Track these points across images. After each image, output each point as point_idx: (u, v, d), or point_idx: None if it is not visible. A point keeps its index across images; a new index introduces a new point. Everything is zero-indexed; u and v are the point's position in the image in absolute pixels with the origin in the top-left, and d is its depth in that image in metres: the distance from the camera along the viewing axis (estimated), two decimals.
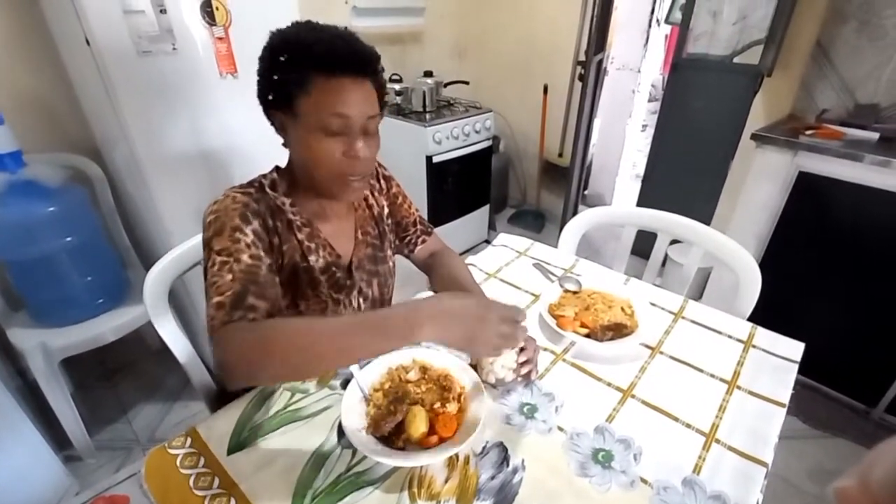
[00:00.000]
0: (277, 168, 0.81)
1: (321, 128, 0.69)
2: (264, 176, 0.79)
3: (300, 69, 0.67)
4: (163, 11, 1.16)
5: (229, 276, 0.64)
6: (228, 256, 0.65)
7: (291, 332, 0.58)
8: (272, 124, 0.75)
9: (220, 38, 1.28)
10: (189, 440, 0.68)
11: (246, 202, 0.71)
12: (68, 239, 1.30)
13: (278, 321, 0.61)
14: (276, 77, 0.68)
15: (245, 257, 0.66)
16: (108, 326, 1.38)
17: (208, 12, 1.24)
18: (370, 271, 0.90)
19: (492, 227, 2.85)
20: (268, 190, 0.77)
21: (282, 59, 0.67)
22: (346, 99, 0.68)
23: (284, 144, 0.77)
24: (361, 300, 0.90)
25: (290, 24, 0.72)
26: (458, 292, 0.63)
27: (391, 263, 0.97)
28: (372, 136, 0.74)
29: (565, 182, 2.47)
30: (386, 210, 0.95)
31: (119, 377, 1.77)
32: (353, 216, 0.88)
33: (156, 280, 0.87)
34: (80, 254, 1.35)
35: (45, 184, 1.27)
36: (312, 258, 0.79)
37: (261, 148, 0.75)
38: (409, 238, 0.99)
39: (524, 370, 0.75)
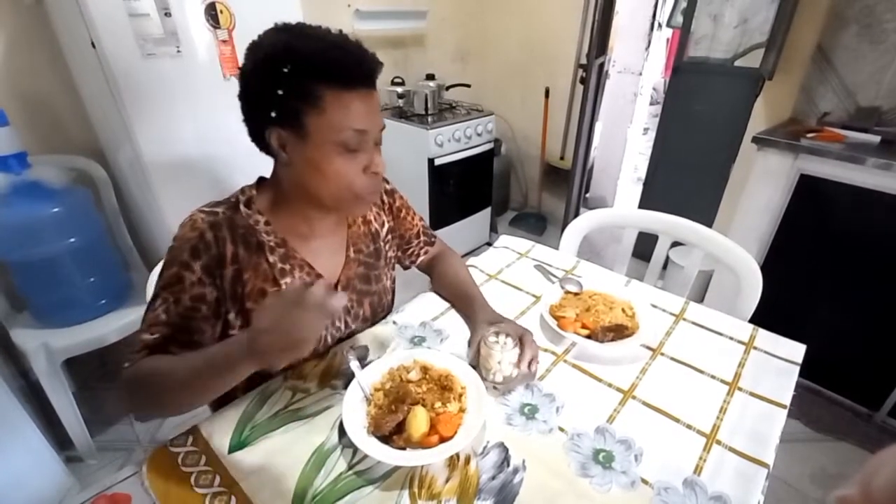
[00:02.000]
0: (261, 180, 0.77)
1: (338, 145, 0.65)
2: (242, 191, 0.75)
3: (308, 83, 0.62)
4: (167, 14, 1.17)
5: (164, 317, 0.66)
6: (169, 294, 0.67)
7: (155, 375, 0.62)
8: (261, 143, 0.69)
9: (224, 41, 1.29)
10: (191, 439, 0.68)
11: (203, 230, 0.68)
12: (72, 240, 1.31)
13: (150, 361, 0.64)
14: (279, 92, 0.62)
15: (185, 298, 0.67)
16: (111, 327, 1.39)
17: (212, 15, 1.25)
18: (362, 291, 0.86)
19: (493, 229, 2.85)
20: (242, 208, 0.73)
21: (284, 70, 0.61)
22: (363, 113, 0.65)
23: (281, 163, 0.71)
24: (349, 320, 0.85)
25: (271, 29, 0.65)
26: (266, 306, 0.54)
27: (388, 281, 0.93)
28: (379, 145, 0.72)
29: (567, 185, 2.47)
30: (386, 227, 0.91)
31: None
32: (343, 233, 0.84)
33: None
34: (83, 255, 1.35)
35: (50, 185, 1.28)
36: (287, 280, 0.75)
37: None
38: (411, 250, 0.98)
39: (524, 364, 0.76)
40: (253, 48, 0.65)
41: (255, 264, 0.73)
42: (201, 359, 0.59)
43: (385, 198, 0.92)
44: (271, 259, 0.74)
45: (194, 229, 0.69)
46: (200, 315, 0.69)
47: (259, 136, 0.69)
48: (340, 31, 0.66)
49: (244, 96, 0.68)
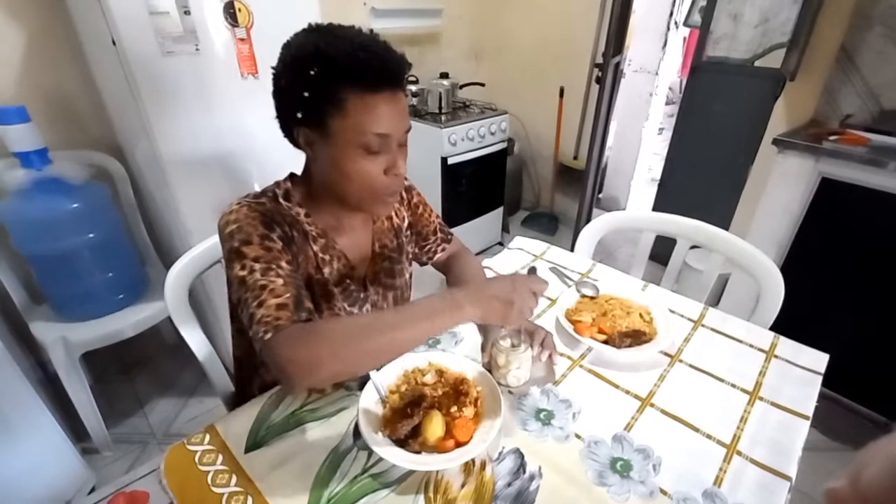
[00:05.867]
0: (292, 176, 0.79)
1: (360, 147, 0.65)
2: (278, 185, 0.76)
3: (332, 85, 0.62)
4: (187, 13, 1.18)
5: (280, 281, 0.63)
6: (269, 263, 0.64)
7: (348, 327, 0.59)
8: (291, 139, 0.71)
9: (242, 39, 1.29)
10: (207, 437, 0.69)
11: (262, 211, 0.69)
12: (90, 235, 1.33)
13: (330, 320, 0.63)
14: (305, 94, 0.63)
15: (284, 263, 0.66)
16: (128, 322, 1.40)
17: (231, 14, 1.25)
18: (386, 285, 0.88)
19: (505, 229, 2.84)
20: (281, 200, 0.74)
21: (311, 73, 0.62)
22: (385, 117, 0.65)
23: (309, 159, 0.74)
24: None
25: (302, 30, 0.66)
26: (485, 279, 0.66)
27: (408, 276, 0.96)
28: (404, 146, 0.72)
29: (580, 185, 2.45)
30: (406, 222, 0.93)
31: (136, 372, 1.80)
32: (370, 229, 0.85)
33: (177, 278, 0.88)
34: (101, 250, 1.37)
35: (70, 181, 1.29)
36: (327, 270, 0.77)
37: (281, 148, 0.74)
38: (428, 247, 0.98)
39: (544, 357, 0.78)
40: (284, 49, 0.67)
41: (304, 250, 0.75)
42: (419, 306, 0.61)
43: (404, 194, 0.93)
44: (315, 248, 0.76)
45: (253, 210, 0.68)
46: (300, 279, 0.68)
47: (289, 133, 0.71)
48: (371, 30, 0.67)
49: (275, 95, 0.69)
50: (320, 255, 0.76)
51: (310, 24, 0.67)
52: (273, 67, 0.67)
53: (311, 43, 0.63)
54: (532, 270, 0.65)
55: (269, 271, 0.63)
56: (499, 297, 0.62)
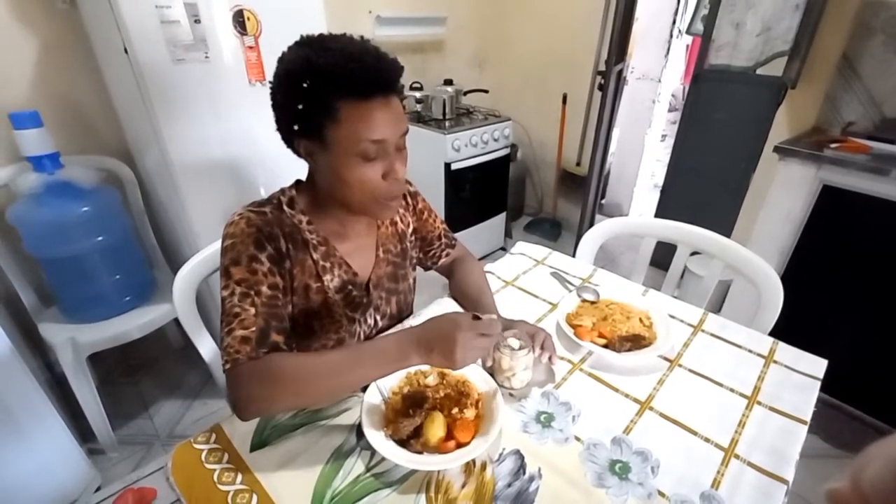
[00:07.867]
0: (298, 182, 0.80)
1: (357, 155, 0.67)
2: (283, 192, 0.78)
3: (325, 96, 0.64)
4: (197, 21, 1.21)
5: (252, 310, 0.66)
6: (249, 288, 0.67)
7: (298, 370, 0.63)
8: (293, 150, 0.73)
9: (251, 47, 1.32)
10: (214, 436, 0.70)
11: (259, 226, 0.70)
12: (100, 238, 1.35)
13: (284, 358, 0.64)
14: (300, 106, 0.65)
15: (265, 288, 0.68)
16: (135, 324, 1.42)
17: (240, 22, 1.28)
18: (390, 289, 0.90)
19: (508, 234, 2.85)
20: (285, 208, 0.76)
21: (304, 85, 0.63)
22: (380, 123, 0.66)
23: (311, 168, 0.75)
24: (379, 317, 0.89)
25: (294, 44, 0.67)
26: (437, 317, 0.65)
27: (412, 280, 0.97)
28: (402, 150, 0.73)
29: (582, 191, 2.47)
30: (411, 227, 0.94)
31: (141, 374, 1.82)
32: (374, 234, 0.87)
33: (185, 280, 0.90)
34: (110, 253, 1.39)
35: (80, 185, 1.32)
36: (327, 277, 0.79)
37: (287, 154, 0.75)
38: (432, 252, 1.00)
39: (544, 358, 0.79)
40: (278, 63, 0.68)
41: (301, 261, 0.76)
42: (366, 349, 0.64)
43: (409, 199, 0.95)
44: (315, 256, 0.77)
45: (251, 225, 0.70)
46: (280, 302, 0.71)
47: (290, 144, 0.72)
48: (362, 37, 0.68)
49: (273, 108, 0.71)
50: (321, 262, 0.78)
51: (301, 37, 0.69)
52: (269, 82, 0.69)
53: (303, 56, 0.64)
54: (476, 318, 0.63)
55: (246, 298, 0.67)
56: (439, 349, 0.61)
